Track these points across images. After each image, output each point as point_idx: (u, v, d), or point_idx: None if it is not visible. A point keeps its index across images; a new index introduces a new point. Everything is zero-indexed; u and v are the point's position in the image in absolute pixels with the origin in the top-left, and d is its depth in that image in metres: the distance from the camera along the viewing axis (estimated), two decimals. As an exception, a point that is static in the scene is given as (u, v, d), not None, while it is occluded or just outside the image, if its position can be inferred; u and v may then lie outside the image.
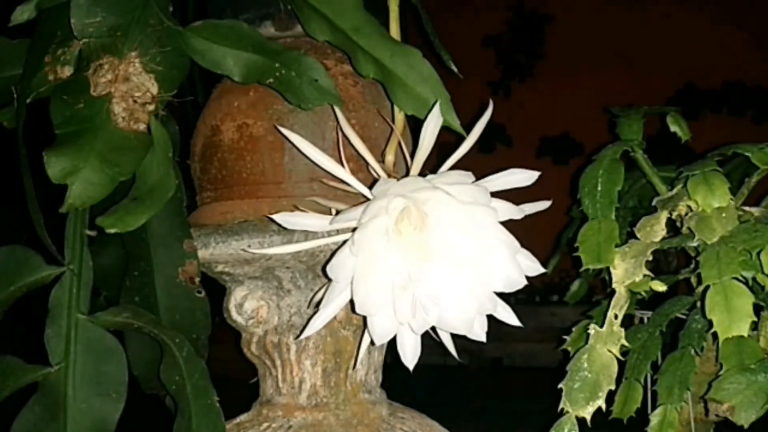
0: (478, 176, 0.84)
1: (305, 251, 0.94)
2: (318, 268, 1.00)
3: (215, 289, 1.03)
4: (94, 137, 0.85)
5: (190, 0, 1.10)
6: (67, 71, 0.93)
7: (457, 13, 4.01)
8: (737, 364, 0.96)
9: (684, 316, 1.10)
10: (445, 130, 0.89)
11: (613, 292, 1.01)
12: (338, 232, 0.89)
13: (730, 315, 0.93)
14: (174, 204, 0.93)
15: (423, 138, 0.88)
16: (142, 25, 0.90)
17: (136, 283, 0.95)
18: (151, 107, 0.90)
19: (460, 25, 3.79)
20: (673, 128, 1.22)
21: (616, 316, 0.99)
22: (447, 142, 0.91)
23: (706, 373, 1.09)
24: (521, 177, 0.87)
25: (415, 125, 0.95)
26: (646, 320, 1.15)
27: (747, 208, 1.07)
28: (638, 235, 1.04)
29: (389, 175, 0.92)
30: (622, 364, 1.02)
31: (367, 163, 0.92)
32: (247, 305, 1.01)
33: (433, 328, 0.86)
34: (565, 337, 1.17)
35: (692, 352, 1.06)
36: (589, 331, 1.00)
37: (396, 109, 0.96)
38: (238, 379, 1.12)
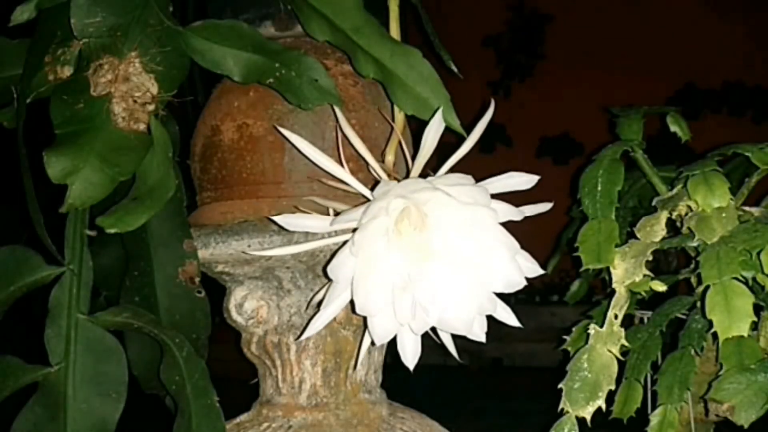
0: (478, 176, 0.84)
1: (305, 251, 0.94)
2: (318, 269, 1.00)
3: (215, 289, 1.03)
4: (94, 137, 0.85)
5: (190, 0, 1.10)
6: (67, 71, 0.93)
7: (457, 13, 4.01)
8: (737, 364, 0.96)
9: (684, 316, 1.10)
10: (445, 130, 0.89)
11: (613, 292, 1.01)
12: (338, 232, 0.89)
13: (730, 315, 0.93)
14: (174, 204, 0.93)
15: (424, 142, 0.88)
16: (142, 25, 0.90)
17: (136, 283, 0.95)
18: (151, 107, 0.90)
19: (460, 25, 3.79)
20: (673, 128, 1.22)
21: (616, 316, 0.99)
22: (447, 142, 0.91)
23: (706, 373, 1.09)
24: (520, 180, 0.87)
25: (415, 125, 0.95)
26: (646, 320, 1.15)
27: (747, 208, 1.07)
28: (638, 235, 1.04)
29: (389, 175, 0.92)
30: (622, 364, 1.02)
31: (367, 164, 0.92)
32: (247, 305, 1.01)
33: (433, 329, 0.86)
34: (565, 337, 1.17)
35: (692, 352, 1.06)
36: (589, 331, 1.00)
37: (396, 109, 0.95)
38: (238, 379, 1.12)
